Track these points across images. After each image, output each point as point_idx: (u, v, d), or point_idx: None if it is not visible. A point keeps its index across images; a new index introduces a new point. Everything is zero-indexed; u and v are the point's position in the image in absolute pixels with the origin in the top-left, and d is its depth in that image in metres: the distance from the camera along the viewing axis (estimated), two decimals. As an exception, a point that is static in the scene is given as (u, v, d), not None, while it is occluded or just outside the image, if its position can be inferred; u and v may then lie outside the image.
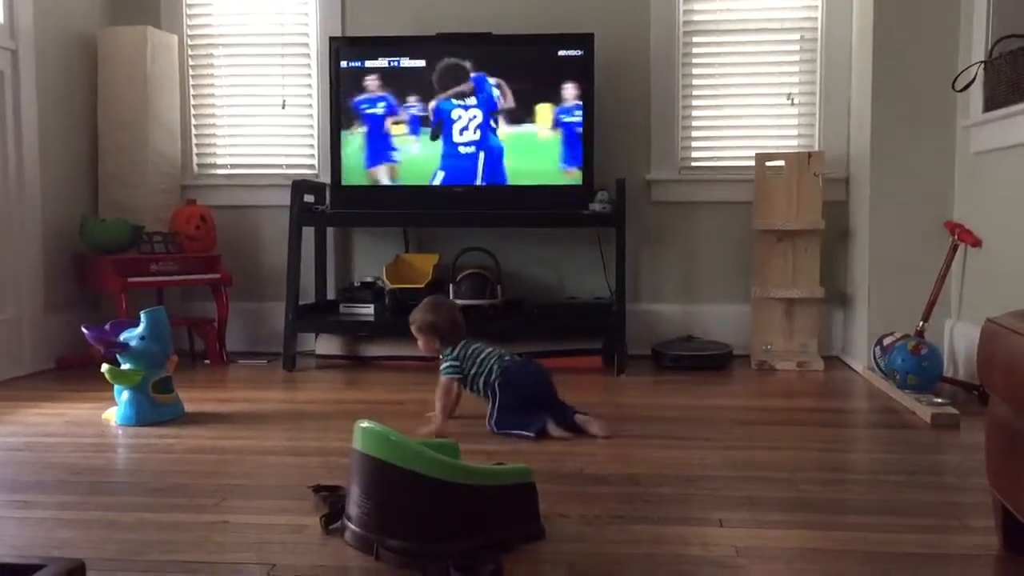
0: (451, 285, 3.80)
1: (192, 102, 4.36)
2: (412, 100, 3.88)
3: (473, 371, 2.78)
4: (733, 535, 1.80)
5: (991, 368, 1.64)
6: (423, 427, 2.66)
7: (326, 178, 4.10)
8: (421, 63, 3.87)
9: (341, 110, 3.92)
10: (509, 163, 3.85)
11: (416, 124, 3.88)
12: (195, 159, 4.39)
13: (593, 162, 3.83)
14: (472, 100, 3.85)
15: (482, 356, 2.79)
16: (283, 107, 4.32)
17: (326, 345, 3.98)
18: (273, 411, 3.04)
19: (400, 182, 3.91)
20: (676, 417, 2.91)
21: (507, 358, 2.79)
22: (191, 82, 4.35)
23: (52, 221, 3.84)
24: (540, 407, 2.67)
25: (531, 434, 2.59)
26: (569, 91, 3.81)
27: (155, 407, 2.81)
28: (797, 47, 4.09)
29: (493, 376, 2.74)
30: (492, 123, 3.84)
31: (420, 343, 2.90)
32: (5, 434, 2.68)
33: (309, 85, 4.30)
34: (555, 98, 3.82)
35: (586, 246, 4.12)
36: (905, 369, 3.12)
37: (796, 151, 3.98)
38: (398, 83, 3.88)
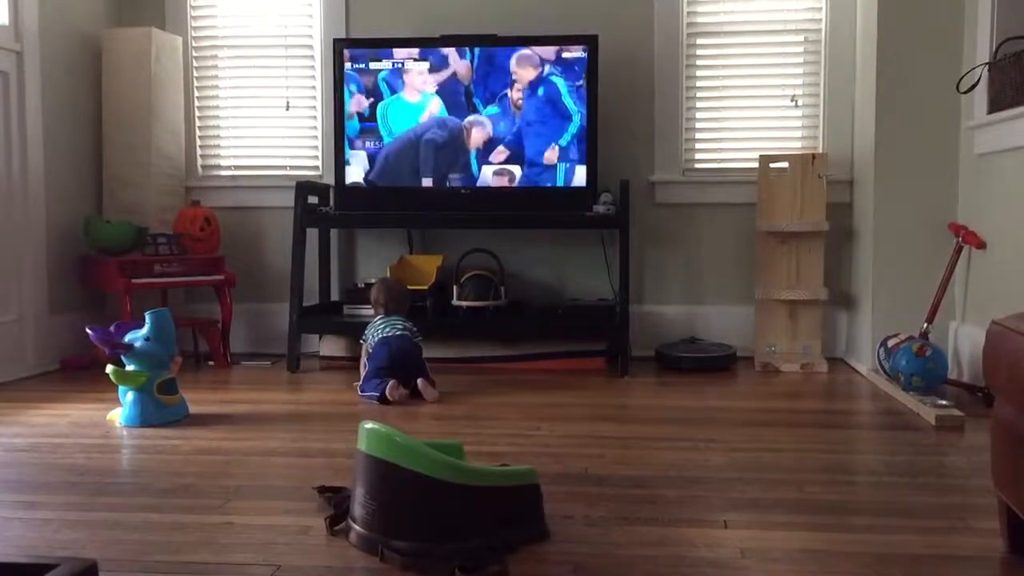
0: (455, 287, 3.80)
1: (196, 103, 4.37)
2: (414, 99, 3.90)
3: (368, 340, 3.34)
4: (738, 536, 1.80)
5: (996, 370, 1.64)
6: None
7: (330, 179, 4.10)
8: (425, 64, 3.88)
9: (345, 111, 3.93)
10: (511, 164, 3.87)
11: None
12: (199, 160, 4.39)
13: (597, 164, 3.83)
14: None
15: (375, 330, 3.33)
16: (287, 108, 4.33)
17: (330, 346, 3.99)
18: (277, 412, 3.05)
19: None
20: (680, 418, 2.91)
21: (386, 334, 3.28)
22: (195, 83, 4.36)
23: (56, 222, 3.85)
24: (394, 375, 3.13)
25: (376, 395, 3.12)
26: (573, 92, 3.82)
27: (160, 408, 2.81)
28: (801, 48, 4.09)
29: (370, 348, 3.31)
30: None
31: None
32: (10, 435, 2.68)
33: (313, 87, 4.30)
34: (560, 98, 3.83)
35: (590, 248, 4.12)
36: (909, 371, 3.12)
37: (800, 153, 3.98)
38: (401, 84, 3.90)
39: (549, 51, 3.82)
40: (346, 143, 3.92)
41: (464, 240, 4.00)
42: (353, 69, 3.90)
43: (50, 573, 1.14)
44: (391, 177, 3.92)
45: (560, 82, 3.82)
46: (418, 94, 3.89)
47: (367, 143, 3.92)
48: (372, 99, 3.91)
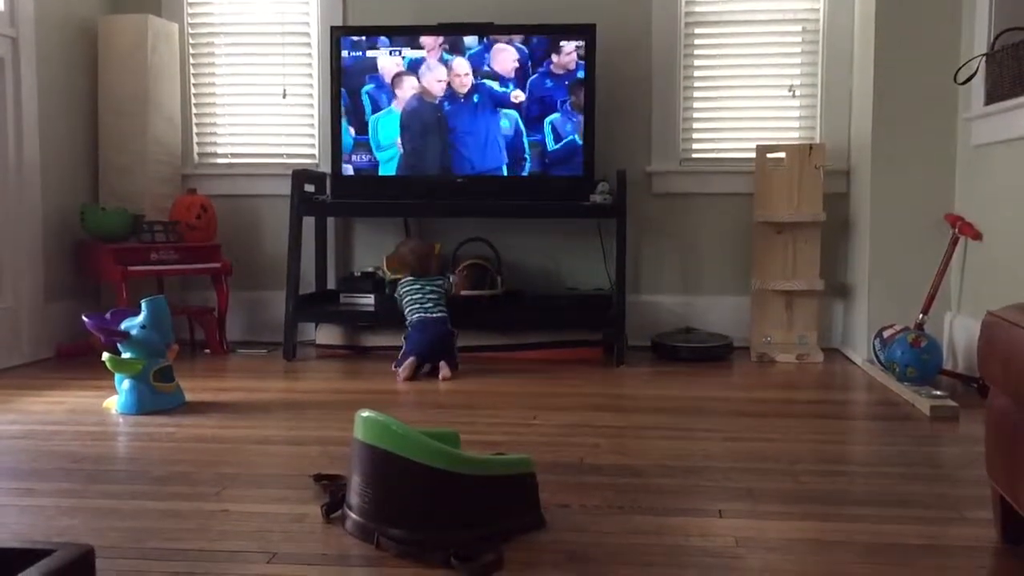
0: (451, 276, 3.80)
1: (193, 91, 4.35)
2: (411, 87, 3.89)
3: (402, 308, 3.56)
4: (732, 526, 1.81)
5: (991, 361, 1.64)
6: None
7: (326, 167, 4.10)
8: (422, 53, 3.87)
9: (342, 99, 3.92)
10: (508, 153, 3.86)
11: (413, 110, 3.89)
12: (195, 148, 4.38)
13: (594, 153, 3.82)
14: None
15: (405, 300, 3.53)
16: (284, 96, 4.31)
17: (326, 335, 3.99)
18: (273, 400, 3.05)
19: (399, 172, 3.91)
20: (676, 408, 2.92)
21: (419, 316, 3.46)
22: (192, 71, 4.35)
23: (52, 209, 3.84)
24: (422, 358, 3.39)
25: (394, 368, 3.41)
26: (570, 81, 3.81)
27: (156, 396, 2.82)
28: (799, 39, 4.09)
29: (407, 324, 3.50)
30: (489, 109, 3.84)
31: None
32: (6, 422, 2.68)
33: (310, 75, 4.29)
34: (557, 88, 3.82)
35: (587, 237, 4.12)
36: (905, 361, 3.12)
37: (797, 143, 3.98)
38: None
39: (547, 40, 3.81)
40: (344, 135, 3.92)
41: (461, 229, 4.00)
42: (350, 56, 3.89)
43: (46, 559, 1.15)
44: (388, 166, 3.91)
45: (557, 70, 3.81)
46: (408, 98, 3.88)
47: (356, 158, 3.92)
48: (361, 117, 3.91)
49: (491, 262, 3.85)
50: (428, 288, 3.53)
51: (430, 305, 3.49)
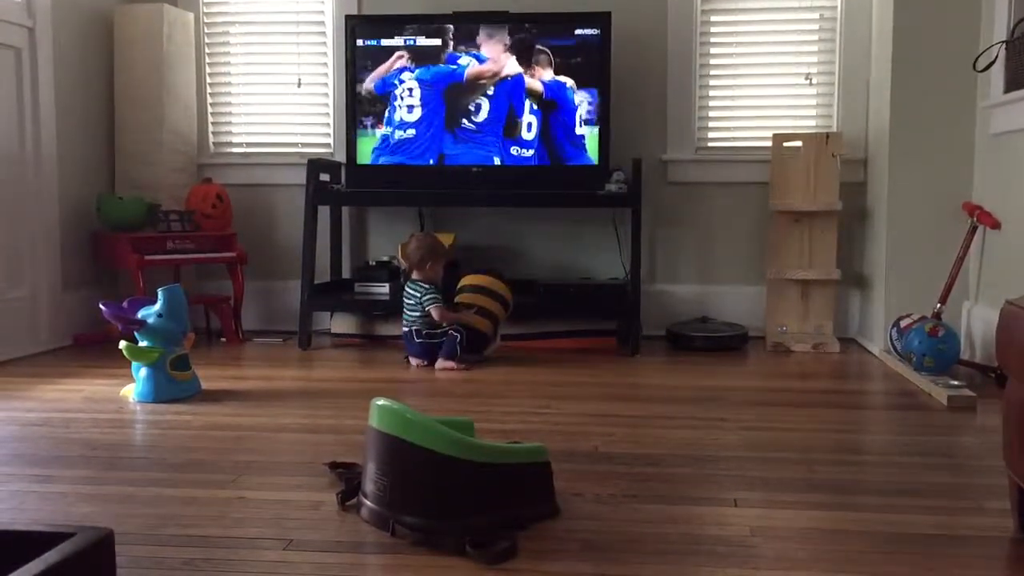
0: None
1: (208, 80, 4.36)
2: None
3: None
4: (747, 515, 1.80)
5: (1009, 350, 1.63)
6: None
7: (341, 157, 4.10)
8: (437, 42, 3.86)
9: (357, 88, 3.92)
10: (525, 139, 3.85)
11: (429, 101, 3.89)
12: (211, 137, 4.39)
13: (609, 142, 3.81)
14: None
15: (404, 305, 3.52)
16: (299, 85, 4.32)
17: (341, 324, 4.00)
18: (289, 389, 3.06)
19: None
20: (691, 398, 2.91)
21: (403, 324, 3.49)
22: (207, 60, 4.36)
23: (69, 198, 3.86)
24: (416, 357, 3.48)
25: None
26: (586, 70, 3.79)
27: (172, 384, 2.83)
28: (816, 26, 4.06)
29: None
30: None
31: None
32: (24, 409, 2.70)
33: (325, 64, 4.29)
34: (572, 77, 3.81)
35: (601, 226, 4.11)
36: (922, 351, 3.11)
37: (814, 131, 3.96)
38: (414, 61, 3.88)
39: (562, 28, 3.80)
40: (359, 125, 3.92)
41: (475, 218, 4.00)
42: (365, 46, 3.89)
43: (67, 541, 1.16)
44: (403, 155, 3.91)
45: (573, 59, 3.80)
46: (423, 87, 3.87)
47: (371, 147, 3.93)
48: (376, 106, 3.91)
49: (503, 295, 3.57)
50: (407, 297, 3.51)
51: (407, 317, 3.50)
